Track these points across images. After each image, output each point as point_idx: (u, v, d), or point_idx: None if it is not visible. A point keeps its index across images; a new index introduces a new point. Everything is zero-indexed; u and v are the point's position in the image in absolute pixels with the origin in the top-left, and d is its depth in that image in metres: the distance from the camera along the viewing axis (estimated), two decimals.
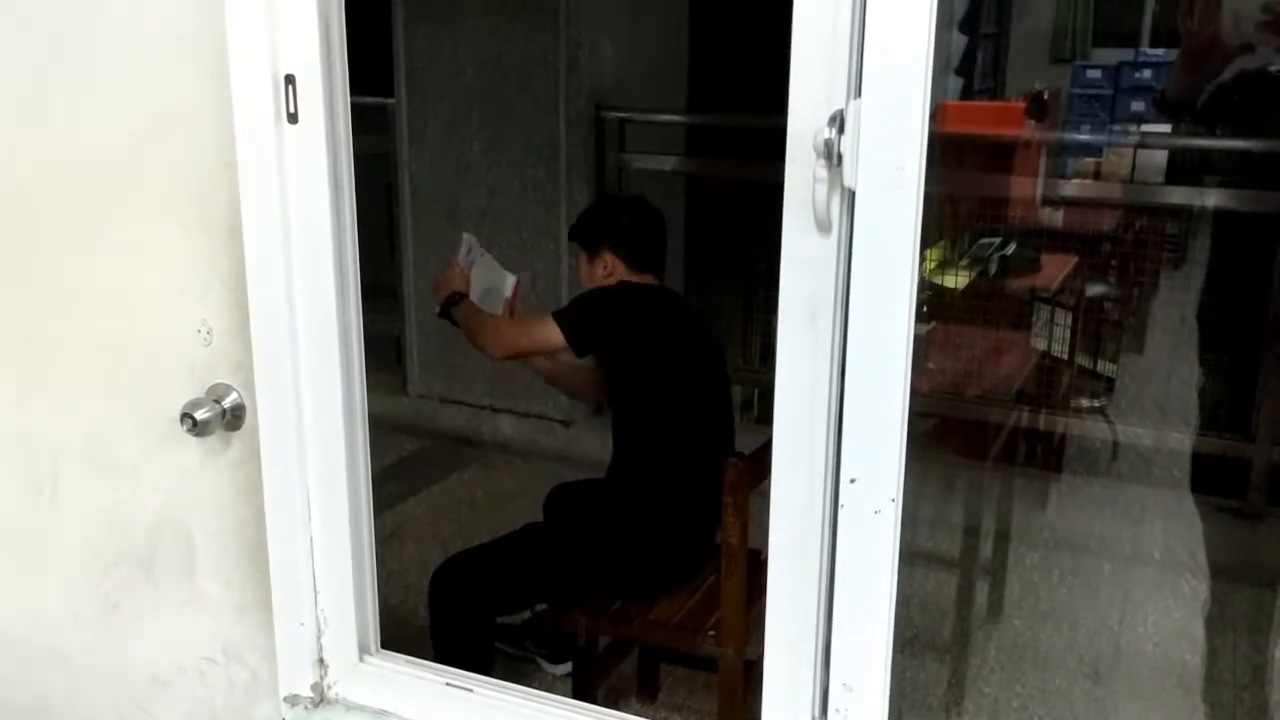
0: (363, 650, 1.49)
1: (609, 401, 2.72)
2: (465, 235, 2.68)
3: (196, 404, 1.42)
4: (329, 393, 1.39)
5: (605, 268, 2.47)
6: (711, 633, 2.25)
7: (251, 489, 1.47)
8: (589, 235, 2.54)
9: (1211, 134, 3.05)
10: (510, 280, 2.72)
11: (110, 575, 1.62)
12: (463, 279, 2.57)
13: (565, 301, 3.46)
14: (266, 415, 1.41)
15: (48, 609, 1.70)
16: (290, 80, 1.29)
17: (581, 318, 2.43)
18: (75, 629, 1.67)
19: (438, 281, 2.61)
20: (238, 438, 1.46)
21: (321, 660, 1.50)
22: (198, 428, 1.42)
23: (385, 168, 4.16)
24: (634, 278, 2.47)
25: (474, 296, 2.58)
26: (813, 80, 1.06)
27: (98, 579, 1.63)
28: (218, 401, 1.43)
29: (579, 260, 2.57)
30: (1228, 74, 2.14)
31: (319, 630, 1.48)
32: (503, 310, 2.66)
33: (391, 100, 4.07)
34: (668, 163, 4.12)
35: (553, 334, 2.39)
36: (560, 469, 3.35)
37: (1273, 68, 2.11)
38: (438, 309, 2.58)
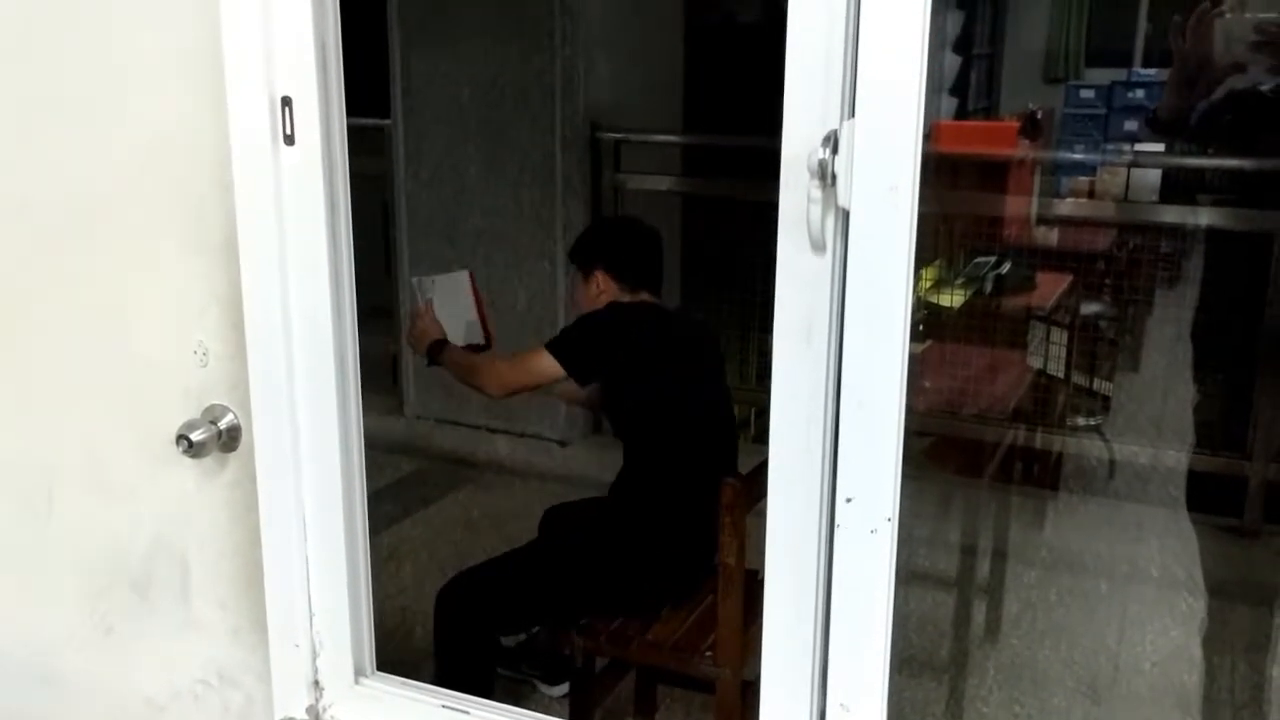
0: (358, 673, 1.48)
1: (609, 420, 2.71)
2: (411, 280, 2.67)
3: (192, 425, 1.42)
4: (325, 414, 1.39)
5: (599, 287, 2.47)
6: (709, 653, 2.24)
7: (247, 510, 1.46)
8: (583, 256, 2.54)
9: (1204, 153, 3.07)
10: (463, 277, 2.70)
11: (105, 598, 1.61)
12: (433, 324, 2.55)
13: (562, 320, 3.49)
14: (262, 436, 1.41)
15: (43, 631, 1.69)
16: (287, 102, 1.29)
17: (577, 345, 2.42)
18: (70, 652, 1.67)
19: (412, 338, 2.59)
20: (233, 459, 1.46)
21: (317, 683, 1.49)
22: (193, 449, 1.41)
23: (382, 188, 4.17)
24: (627, 297, 2.46)
25: (444, 318, 2.56)
26: (807, 101, 1.06)
27: (92, 601, 1.62)
28: (213, 423, 1.43)
29: (574, 281, 2.56)
30: (1219, 93, 2.15)
31: (314, 652, 1.48)
32: (473, 305, 2.65)
33: (388, 121, 4.09)
34: (664, 183, 4.13)
35: (549, 366, 2.39)
36: (557, 489, 3.35)
37: (1263, 87, 2.13)
38: (426, 363, 2.57)
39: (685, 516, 2.37)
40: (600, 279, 2.47)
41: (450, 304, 2.63)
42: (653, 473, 2.45)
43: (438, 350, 2.52)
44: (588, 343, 2.43)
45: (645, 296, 2.49)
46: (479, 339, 2.66)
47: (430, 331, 2.53)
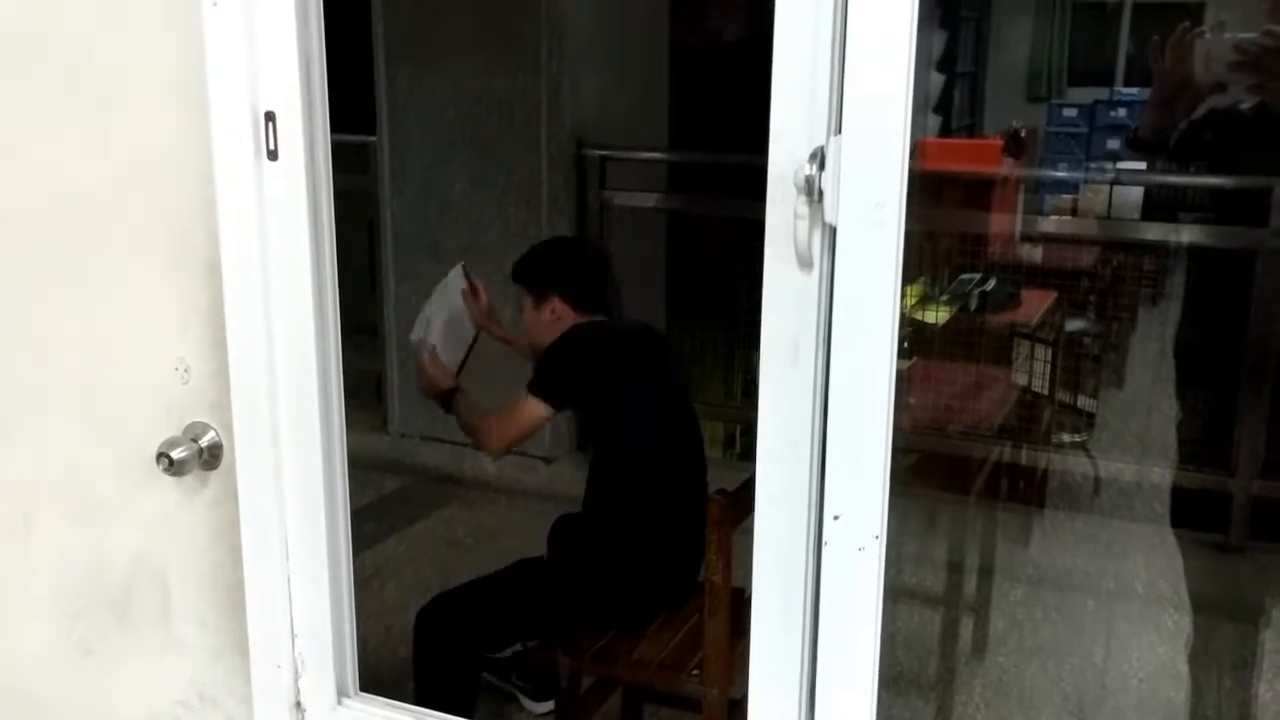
0: (341, 693, 1.47)
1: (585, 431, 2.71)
2: (415, 326, 2.60)
3: (173, 443, 1.41)
4: (308, 431, 1.37)
5: (553, 312, 2.45)
6: (695, 672, 2.23)
7: (229, 529, 1.45)
8: (534, 279, 2.49)
9: (1185, 171, 3.09)
10: (455, 275, 2.66)
11: (84, 619, 1.59)
12: (439, 371, 2.51)
13: None
14: (244, 454, 1.40)
15: (20, 653, 1.67)
16: (270, 117, 1.29)
17: (554, 378, 2.40)
18: (48, 674, 1.64)
19: (424, 386, 2.54)
20: (215, 477, 1.44)
21: (299, 704, 1.47)
22: (174, 467, 1.40)
23: (367, 205, 4.16)
24: (583, 320, 2.45)
25: (448, 336, 2.55)
26: (793, 117, 1.06)
27: (71, 623, 1.60)
28: (195, 440, 1.42)
29: (523, 304, 2.51)
30: (1199, 112, 2.17)
31: (296, 673, 1.46)
32: (466, 297, 2.61)
33: (373, 138, 4.08)
34: (649, 200, 4.14)
35: (535, 409, 2.38)
36: (542, 506, 3.33)
37: (1243, 106, 2.14)
38: (441, 408, 2.54)
39: (655, 532, 2.38)
40: (555, 304, 2.45)
41: (449, 317, 2.61)
42: (619, 489, 2.45)
43: (448, 399, 2.49)
44: (562, 371, 2.41)
45: (599, 319, 2.48)
46: (471, 336, 2.64)
47: (438, 381, 2.50)
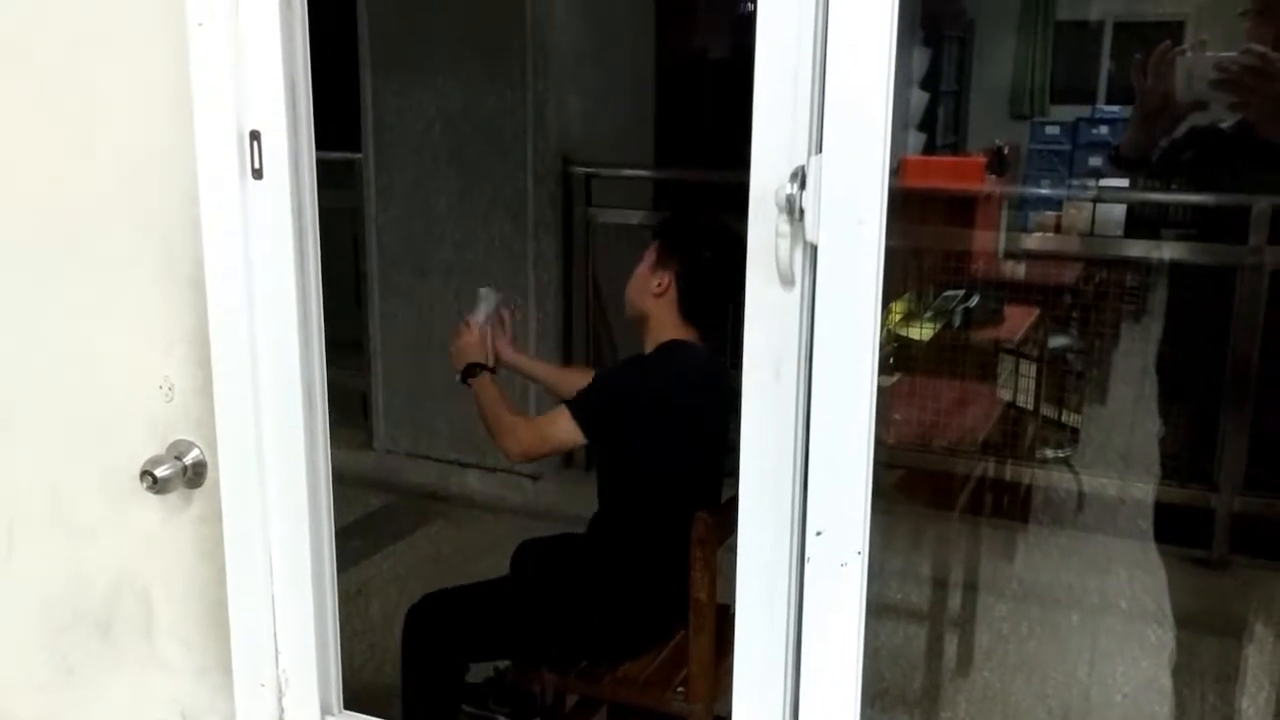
0: (325, 711, 1.46)
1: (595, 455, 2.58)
2: (482, 291, 2.46)
3: (157, 461, 1.41)
4: (292, 449, 1.37)
5: (660, 286, 2.25)
6: (680, 689, 2.23)
7: (213, 547, 1.44)
8: (672, 245, 2.29)
9: (1167, 188, 3.11)
10: (489, 294, 2.51)
11: (66, 637, 1.58)
12: (479, 346, 2.36)
13: (533, 349, 3.47)
14: (228, 472, 1.39)
15: (1, 672, 1.66)
16: (255, 136, 1.29)
17: (598, 412, 2.23)
18: (29, 693, 1.63)
19: (454, 350, 2.39)
20: (199, 495, 1.44)
21: None
22: (158, 485, 1.40)
23: (352, 222, 4.16)
24: (671, 333, 2.25)
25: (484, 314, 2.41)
26: (774, 136, 1.07)
27: (53, 641, 1.59)
28: (179, 458, 1.42)
29: (646, 256, 2.31)
30: (1181, 130, 2.19)
31: (280, 691, 1.46)
32: (491, 321, 2.45)
33: (359, 155, 4.09)
34: (634, 217, 4.14)
35: (571, 432, 2.21)
36: (529, 524, 3.33)
37: (1224, 124, 2.16)
38: (457, 377, 2.39)
39: (666, 560, 2.27)
40: (666, 280, 2.24)
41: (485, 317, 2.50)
42: (637, 516, 2.33)
43: (472, 373, 2.35)
44: (610, 411, 2.25)
45: (692, 337, 2.27)
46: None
47: (471, 350, 2.36)
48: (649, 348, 2.30)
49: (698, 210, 2.36)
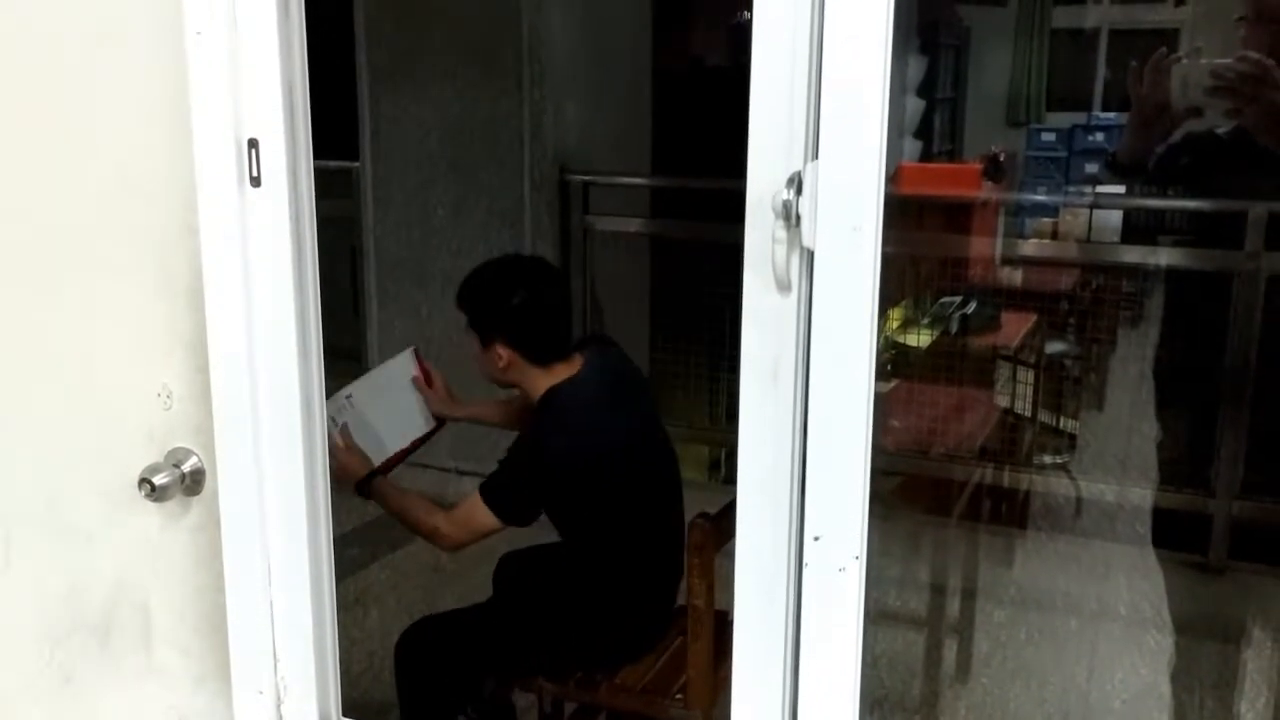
0: (323, 718, 1.46)
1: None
2: (328, 403, 2.45)
3: (155, 469, 1.40)
4: (290, 457, 1.37)
5: (503, 360, 2.21)
6: (679, 696, 2.23)
7: (211, 555, 1.44)
8: (478, 321, 2.24)
9: (1163, 195, 3.12)
10: (406, 358, 2.46)
11: (64, 645, 1.58)
12: (352, 457, 2.27)
13: None
14: (227, 480, 1.39)
15: None
16: (253, 144, 1.29)
17: (506, 491, 2.19)
18: (26, 702, 1.63)
19: (335, 472, 2.16)
20: (197, 503, 1.44)
21: None
22: (156, 493, 1.40)
23: (350, 231, 4.16)
24: (537, 374, 2.21)
25: (377, 420, 2.36)
26: (770, 143, 1.07)
27: (50, 650, 1.59)
28: (177, 466, 1.42)
29: (471, 339, 2.25)
30: (1176, 137, 2.19)
31: (279, 699, 1.45)
32: (413, 388, 2.42)
33: (356, 164, 4.09)
34: (632, 224, 4.16)
35: (488, 520, 2.17)
36: (525, 531, 3.32)
37: (1219, 130, 2.17)
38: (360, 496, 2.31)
39: (636, 562, 2.32)
40: (504, 353, 2.20)
41: (385, 402, 2.41)
42: (602, 538, 2.31)
43: (365, 486, 2.28)
44: (521, 491, 2.21)
45: (564, 369, 2.23)
46: (423, 429, 2.46)
47: (350, 467, 2.26)
48: (537, 407, 2.25)
49: (473, 273, 2.31)
